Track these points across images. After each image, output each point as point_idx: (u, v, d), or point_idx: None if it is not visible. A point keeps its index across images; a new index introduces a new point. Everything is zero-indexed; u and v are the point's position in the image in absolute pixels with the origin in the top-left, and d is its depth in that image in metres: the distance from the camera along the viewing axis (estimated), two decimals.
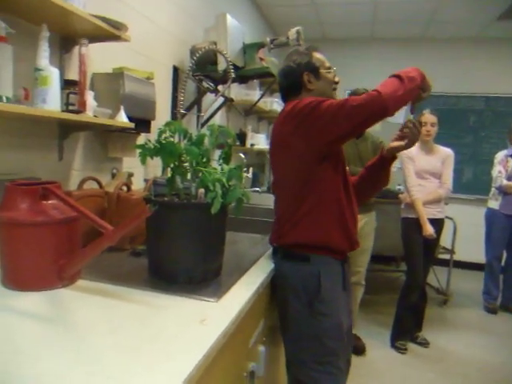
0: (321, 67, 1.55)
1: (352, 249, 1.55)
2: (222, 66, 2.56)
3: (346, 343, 1.52)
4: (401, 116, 5.56)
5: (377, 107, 1.30)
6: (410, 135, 1.50)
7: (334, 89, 1.59)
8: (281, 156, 1.53)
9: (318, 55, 1.57)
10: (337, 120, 1.35)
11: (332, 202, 1.46)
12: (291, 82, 1.56)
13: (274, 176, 1.62)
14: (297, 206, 1.47)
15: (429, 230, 2.86)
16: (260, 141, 4.02)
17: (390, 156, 1.61)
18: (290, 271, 1.49)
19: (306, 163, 1.45)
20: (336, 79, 1.58)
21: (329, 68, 1.57)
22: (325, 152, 1.43)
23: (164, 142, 1.26)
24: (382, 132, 2.87)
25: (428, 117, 2.97)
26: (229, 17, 2.62)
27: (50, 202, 1.16)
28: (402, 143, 1.54)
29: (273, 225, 1.61)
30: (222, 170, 1.29)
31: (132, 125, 1.73)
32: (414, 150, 3.04)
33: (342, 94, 2.83)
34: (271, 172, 1.65)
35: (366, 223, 2.83)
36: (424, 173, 2.99)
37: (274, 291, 1.56)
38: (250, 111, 3.80)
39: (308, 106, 1.39)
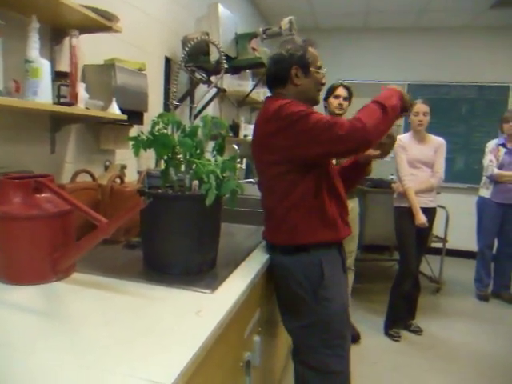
0: (312, 65, 1.52)
1: (346, 236, 1.56)
2: (214, 56, 2.55)
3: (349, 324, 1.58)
4: None
5: (361, 142, 1.32)
6: (386, 146, 1.54)
7: (319, 90, 1.57)
8: (261, 155, 1.53)
9: (312, 50, 1.54)
10: (320, 141, 1.35)
11: (314, 197, 1.46)
12: (279, 71, 1.54)
13: (257, 173, 1.63)
14: (283, 204, 1.48)
15: (421, 218, 2.88)
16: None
17: (364, 161, 1.65)
18: (290, 262, 1.50)
19: (285, 164, 1.45)
20: (323, 81, 1.57)
21: (319, 67, 1.55)
22: (302, 162, 1.44)
23: (157, 133, 1.26)
24: None
25: (420, 106, 2.97)
26: (221, 7, 2.60)
27: (43, 195, 1.16)
28: (376, 152, 1.58)
29: (264, 220, 1.61)
30: (216, 161, 1.29)
31: (124, 117, 1.72)
32: (407, 139, 3.06)
33: (334, 81, 2.84)
34: (255, 169, 1.64)
35: (351, 209, 2.85)
36: (416, 162, 3.01)
37: (273, 281, 1.58)
38: (243, 102, 3.79)
39: (297, 114, 1.36)
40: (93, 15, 1.50)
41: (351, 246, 2.88)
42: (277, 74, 1.55)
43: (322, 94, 1.62)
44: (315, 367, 1.50)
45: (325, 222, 1.48)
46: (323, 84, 1.57)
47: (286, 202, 1.47)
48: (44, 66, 1.32)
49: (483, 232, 3.96)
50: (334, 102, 2.80)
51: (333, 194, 1.51)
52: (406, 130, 3.18)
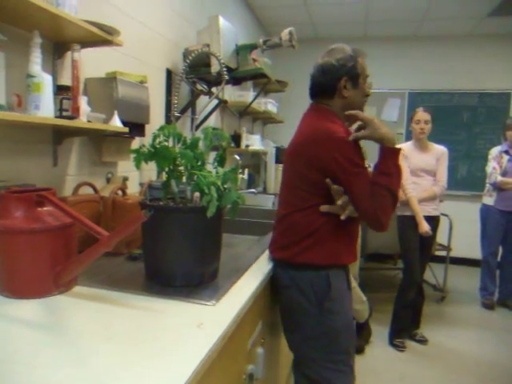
0: (361, 76, 1.50)
1: (354, 261, 1.55)
2: (215, 68, 2.56)
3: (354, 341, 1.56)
4: (394, 115, 5.60)
5: (376, 228, 1.40)
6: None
7: (365, 101, 1.55)
8: (293, 165, 1.51)
9: (362, 62, 1.51)
10: (355, 205, 1.39)
11: (341, 222, 1.44)
12: (327, 81, 1.49)
13: (284, 182, 1.58)
14: (304, 224, 1.45)
15: (425, 227, 2.88)
16: (255, 142, 4.01)
17: None
18: (296, 274, 1.49)
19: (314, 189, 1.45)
20: (369, 92, 1.55)
21: (366, 78, 1.53)
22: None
23: (158, 146, 1.26)
24: None
25: (421, 114, 2.98)
26: (221, 19, 2.62)
27: (45, 208, 1.16)
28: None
29: (274, 234, 1.59)
30: (217, 173, 1.29)
31: (126, 129, 1.73)
32: (409, 147, 3.06)
33: None
34: (282, 176, 1.60)
35: None
36: (418, 170, 3.01)
37: (277, 291, 1.56)
38: (245, 112, 3.81)
39: (350, 162, 1.36)
40: (94, 30, 1.51)
41: None
42: (324, 84, 1.51)
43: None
44: (316, 381, 1.48)
45: (346, 246, 1.49)
46: (368, 95, 1.55)
47: (311, 224, 1.44)
48: (46, 81, 1.33)
49: (487, 240, 3.94)
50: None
51: (350, 221, 1.47)
52: (408, 139, 3.18)
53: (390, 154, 1.41)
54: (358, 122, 1.47)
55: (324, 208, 1.42)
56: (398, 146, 1.44)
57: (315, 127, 1.46)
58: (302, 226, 1.46)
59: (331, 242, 1.45)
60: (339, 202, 1.40)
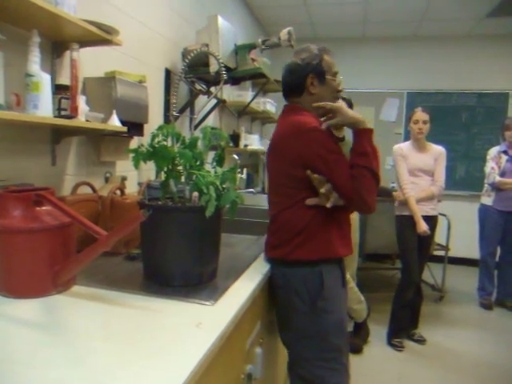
0: (328, 72, 1.53)
1: (349, 254, 1.56)
2: (214, 67, 2.57)
3: (347, 338, 1.55)
4: (393, 115, 5.61)
5: (364, 210, 1.45)
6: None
7: (336, 97, 1.57)
8: (278, 162, 1.52)
9: (327, 58, 1.54)
10: (338, 190, 1.41)
11: (330, 213, 1.45)
12: (294, 80, 1.55)
13: (270, 183, 1.60)
14: (294, 222, 1.47)
15: (423, 227, 2.88)
16: (253, 141, 4.02)
17: None
18: (290, 272, 1.49)
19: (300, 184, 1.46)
20: (339, 88, 1.57)
21: (335, 74, 1.55)
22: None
23: (157, 145, 1.26)
24: (375, 129, 2.88)
25: (420, 114, 2.98)
26: (220, 18, 2.62)
27: (43, 208, 1.16)
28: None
29: (268, 235, 1.59)
30: (216, 172, 1.29)
31: (124, 129, 1.73)
32: (407, 147, 3.06)
33: None
34: (268, 178, 1.63)
35: (352, 219, 2.85)
36: (416, 170, 3.01)
37: (273, 291, 1.57)
38: (243, 112, 3.81)
39: (326, 149, 1.40)
40: (93, 29, 1.51)
41: (353, 255, 2.88)
42: (293, 84, 1.56)
43: None
44: (310, 380, 1.48)
45: (339, 238, 1.49)
46: (340, 91, 1.58)
47: (301, 220, 1.46)
48: (44, 80, 1.33)
49: (485, 240, 3.94)
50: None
51: (339, 212, 1.49)
52: (407, 139, 3.18)
53: (363, 135, 1.45)
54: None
55: (310, 201, 1.44)
56: (370, 127, 1.47)
57: (287, 123, 1.50)
58: (291, 224, 1.47)
59: (322, 235, 1.46)
60: (322, 190, 1.42)
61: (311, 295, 1.45)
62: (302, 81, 1.53)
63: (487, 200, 3.90)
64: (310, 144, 1.40)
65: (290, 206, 1.48)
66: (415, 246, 2.96)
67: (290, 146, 1.45)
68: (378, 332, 3.19)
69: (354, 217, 2.91)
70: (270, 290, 1.57)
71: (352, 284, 2.84)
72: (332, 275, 1.49)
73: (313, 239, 1.45)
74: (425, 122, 2.97)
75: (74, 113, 1.52)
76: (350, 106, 2.84)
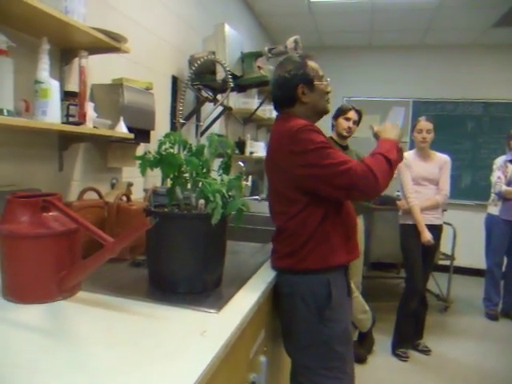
0: (315, 78, 1.52)
1: (357, 257, 1.56)
2: (220, 75, 2.58)
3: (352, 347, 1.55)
4: (399, 118, 5.60)
5: (372, 194, 1.40)
6: None
7: (326, 99, 1.57)
8: (275, 174, 1.53)
9: (312, 64, 1.53)
10: (334, 185, 1.37)
11: (336, 217, 1.46)
12: (285, 94, 1.54)
13: (270, 190, 1.60)
14: (301, 231, 1.46)
15: (427, 236, 2.86)
16: (259, 149, 4.03)
17: None
18: (297, 280, 1.49)
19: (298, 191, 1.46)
20: (328, 89, 1.57)
21: (322, 77, 1.55)
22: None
23: (164, 153, 1.26)
24: None
25: (423, 124, 2.98)
26: (227, 26, 2.64)
27: (50, 213, 1.16)
28: None
29: (274, 244, 1.59)
30: (222, 180, 1.29)
31: (131, 135, 1.74)
32: (411, 156, 3.05)
33: (340, 101, 2.85)
34: (267, 185, 1.63)
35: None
36: (421, 179, 3.00)
37: (278, 299, 1.56)
38: (249, 119, 3.82)
39: (314, 143, 1.38)
40: (102, 37, 1.53)
41: (358, 264, 2.87)
42: (283, 97, 1.55)
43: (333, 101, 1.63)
44: None
45: (344, 244, 1.49)
46: (329, 92, 1.58)
47: (305, 230, 1.45)
48: (53, 87, 1.35)
49: (492, 250, 3.92)
50: (343, 123, 2.84)
51: (345, 215, 1.50)
52: (412, 148, 3.18)
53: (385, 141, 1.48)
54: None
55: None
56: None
57: (282, 130, 1.48)
58: (299, 233, 1.47)
59: (330, 242, 1.46)
60: None
61: (318, 304, 1.45)
62: (293, 93, 1.51)
63: (494, 210, 3.88)
64: (303, 145, 1.39)
65: (294, 214, 1.47)
66: (419, 255, 2.95)
67: (284, 154, 1.44)
68: (382, 341, 3.17)
69: (360, 225, 2.91)
70: (274, 298, 1.57)
71: (357, 293, 2.83)
72: (338, 284, 1.49)
73: (321, 246, 1.45)
74: (428, 132, 2.96)
75: (81, 119, 1.53)
76: (360, 116, 2.86)
